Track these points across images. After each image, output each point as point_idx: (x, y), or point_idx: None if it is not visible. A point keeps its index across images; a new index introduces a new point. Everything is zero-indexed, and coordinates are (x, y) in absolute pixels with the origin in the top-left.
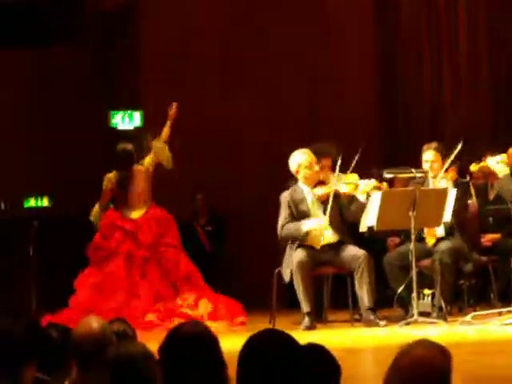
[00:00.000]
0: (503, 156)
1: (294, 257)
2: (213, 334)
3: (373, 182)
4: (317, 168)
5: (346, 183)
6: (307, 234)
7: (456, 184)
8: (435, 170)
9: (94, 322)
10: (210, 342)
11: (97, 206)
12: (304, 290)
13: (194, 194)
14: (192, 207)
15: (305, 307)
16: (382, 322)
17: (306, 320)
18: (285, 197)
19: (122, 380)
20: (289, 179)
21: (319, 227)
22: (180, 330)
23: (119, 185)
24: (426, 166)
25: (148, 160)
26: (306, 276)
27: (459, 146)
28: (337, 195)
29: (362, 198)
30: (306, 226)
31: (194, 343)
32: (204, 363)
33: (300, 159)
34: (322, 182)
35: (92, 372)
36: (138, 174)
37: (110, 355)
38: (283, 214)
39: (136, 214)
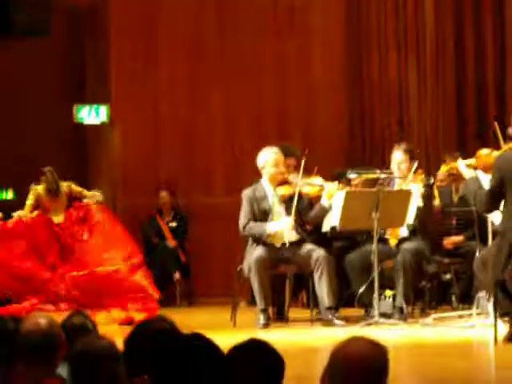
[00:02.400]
0: (473, 160)
1: (254, 252)
2: (178, 330)
3: (337, 186)
4: (282, 168)
5: (310, 185)
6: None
7: (423, 186)
8: (403, 170)
9: (42, 318)
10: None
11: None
12: (260, 287)
13: (159, 191)
14: (156, 203)
15: (260, 304)
16: (341, 322)
17: (261, 318)
18: (246, 194)
19: (82, 376)
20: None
21: (283, 228)
22: (147, 325)
23: (48, 193)
24: (394, 166)
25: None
26: (263, 273)
27: (414, 167)
28: (299, 196)
29: (325, 201)
30: (270, 227)
31: (159, 338)
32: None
33: (267, 157)
34: (285, 182)
35: (38, 367)
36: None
37: (72, 350)
38: (244, 210)
39: (59, 219)
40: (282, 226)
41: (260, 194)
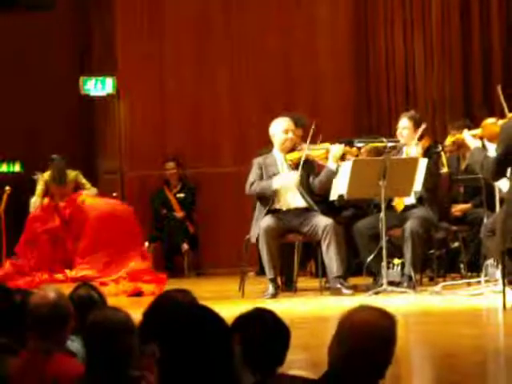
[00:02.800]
0: (478, 130)
1: (262, 222)
2: (199, 304)
3: (343, 147)
4: (292, 135)
5: (317, 149)
6: (276, 194)
7: (428, 152)
8: (406, 137)
9: (50, 291)
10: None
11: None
12: (268, 256)
13: (166, 162)
14: (163, 175)
15: (268, 273)
16: (349, 291)
17: (270, 287)
18: (257, 160)
19: (97, 348)
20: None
21: (289, 183)
22: (167, 297)
23: (53, 180)
24: (398, 133)
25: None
26: (272, 242)
27: (421, 129)
28: (308, 161)
29: (332, 164)
30: (276, 182)
31: (180, 312)
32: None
33: (278, 124)
34: (294, 150)
35: (48, 340)
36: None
37: (87, 321)
38: (253, 173)
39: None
40: (288, 180)
41: (270, 160)
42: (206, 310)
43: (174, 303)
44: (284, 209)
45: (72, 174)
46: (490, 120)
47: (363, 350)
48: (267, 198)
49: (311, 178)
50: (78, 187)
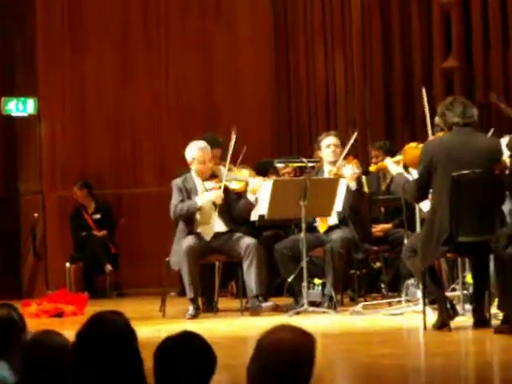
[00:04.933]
0: (400, 157)
1: (183, 242)
2: (131, 327)
3: (262, 181)
4: (209, 164)
5: (237, 180)
6: (197, 224)
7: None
8: (338, 154)
9: None
10: (128, 334)
11: None
12: (189, 277)
13: (77, 182)
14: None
15: (189, 294)
16: (268, 306)
17: (191, 308)
18: (177, 183)
19: (32, 368)
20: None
21: (214, 199)
22: (100, 319)
23: None
24: (327, 151)
25: None
26: (193, 262)
27: (354, 137)
28: (226, 189)
29: (251, 197)
30: (200, 199)
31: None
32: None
33: (195, 154)
34: (213, 176)
35: None
36: None
37: (24, 342)
38: (175, 196)
39: None
40: (211, 197)
41: (189, 185)
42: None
43: (108, 324)
44: (208, 238)
45: None
46: (411, 145)
47: (281, 370)
48: (192, 219)
49: (231, 205)
50: None
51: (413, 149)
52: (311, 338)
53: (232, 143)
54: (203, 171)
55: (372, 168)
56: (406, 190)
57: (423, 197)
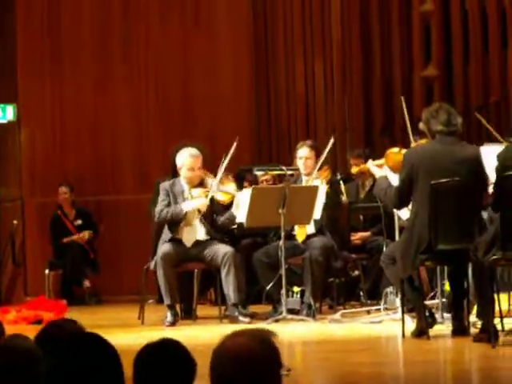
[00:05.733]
0: (382, 160)
1: (161, 249)
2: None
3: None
4: (198, 172)
5: (223, 192)
6: (180, 226)
7: (330, 183)
8: (309, 167)
9: None
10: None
11: None
12: (166, 283)
13: (59, 186)
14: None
15: (166, 300)
16: (246, 319)
17: (169, 315)
18: (164, 186)
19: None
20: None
21: (199, 206)
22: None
23: None
24: (299, 162)
25: None
26: (169, 269)
27: (330, 143)
28: (212, 200)
29: (236, 210)
30: (186, 205)
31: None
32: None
33: (185, 160)
34: (201, 183)
35: None
36: None
37: None
38: (161, 199)
39: None
40: (197, 205)
41: (177, 190)
42: (95, 336)
43: (61, 331)
44: (188, 245)
45: None
46: (394, 149)
47: (237, 376)
48: (176, 224)
49: (215, 215)
50: None
51: (395, 154)
52: (271, 343)
53: (231, 152)
54: (192, 178)
55: (354, 170)
56: (388, 194)
57: (404, 204)
